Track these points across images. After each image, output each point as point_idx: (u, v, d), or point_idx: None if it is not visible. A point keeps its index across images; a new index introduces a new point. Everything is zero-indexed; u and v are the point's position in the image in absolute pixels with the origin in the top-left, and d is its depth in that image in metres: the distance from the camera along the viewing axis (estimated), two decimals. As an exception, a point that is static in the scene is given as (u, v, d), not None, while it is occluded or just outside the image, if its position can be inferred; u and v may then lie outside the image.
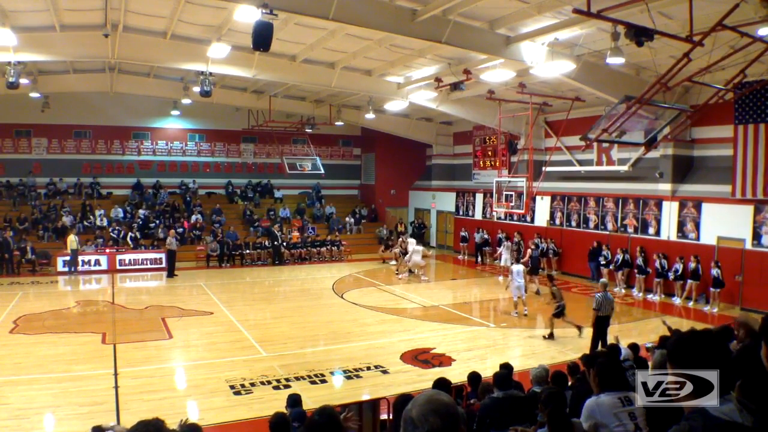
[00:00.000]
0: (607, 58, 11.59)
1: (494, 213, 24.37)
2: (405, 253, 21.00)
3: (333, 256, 25.16)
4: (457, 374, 9.32)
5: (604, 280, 12.56)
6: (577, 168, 21.39)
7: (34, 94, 20.87)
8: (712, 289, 15.62)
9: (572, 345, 12.15)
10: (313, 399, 8.69)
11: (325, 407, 4.35)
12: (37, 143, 25.82)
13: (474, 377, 7.37)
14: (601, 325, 11.24)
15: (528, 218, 23.06)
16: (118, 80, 21.06)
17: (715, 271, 15.54)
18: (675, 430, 1.93)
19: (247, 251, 24.03)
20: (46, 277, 20.05)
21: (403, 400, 4.36)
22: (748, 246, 15.53)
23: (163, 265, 21.58)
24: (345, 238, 26.79)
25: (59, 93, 22.08)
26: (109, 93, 22.05)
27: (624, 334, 12.53)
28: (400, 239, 23.16)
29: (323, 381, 10.00)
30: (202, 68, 16.15)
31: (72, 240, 20.61)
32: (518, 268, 15.01)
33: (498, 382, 5.92)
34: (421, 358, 11.44)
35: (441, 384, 6.13)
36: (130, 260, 21.91)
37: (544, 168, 20.64)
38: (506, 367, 7.33)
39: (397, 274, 21.17)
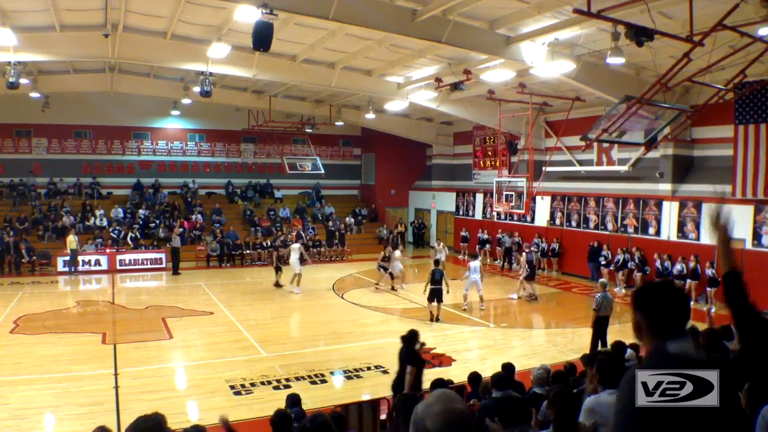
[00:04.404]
0: (607, 58, 11.60)
1: (494, 213, 24.36)
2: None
3: (333, 256, 25.25)
4: (457, 374, 9.31)
5: (603, 280, 12.56)
6: (578, 168, 21.38)
7: (34, 94, 20.87)
8: (708, 289, 15.66)
9: (573, 345, 12.15)
10: (313, 399, 8.69)
11: (318, 414, 4.32)
12: (37, 143, 25.82)
13: (474, 377, 7.37)
14: (601, 326, 11.24)
15: (528, 218, 23.05)
16: (118, 80, 21.06)
17: (709, 271, 15.66)
18: (633, 367, 2.09)
19: (247, 251, 24.03)
20: (47, 277, 20.04)
21: (405, 398, 4.35)
22: (749, 246, 15.53)
23: (164, 265, 21.60)
24: (345, 238, 26.79)
25: (59, 93, 22.10)
26: (110, 93, 22.06)
27: (625, 334, 12.52)
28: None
29: (323, 381, 10.00)
30: (202, 68, 16.15)
31: (71, 240, 20.62)
32: (476, 264, 15.69)
33: (496, 382, 5.90)
34: (421, 358, 11.43)
35: (439, 385, 6.09)
36: (130, 260, 21.90)
37: (544, 168, 20.64)
38: (506, 368, 7.32)
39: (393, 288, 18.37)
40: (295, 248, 18.56)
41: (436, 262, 14.65)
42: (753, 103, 15.04)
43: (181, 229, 22.95)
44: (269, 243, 24.44)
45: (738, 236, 15.78)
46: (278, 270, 18.68)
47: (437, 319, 14.09)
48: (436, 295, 13.97)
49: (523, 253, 18.58)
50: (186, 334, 13.11)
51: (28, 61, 15.44)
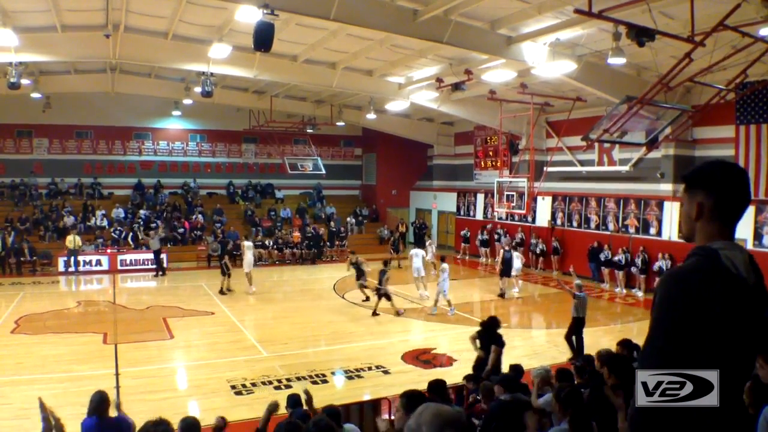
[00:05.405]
0: (608, 59, 11.60)
1: (495, 213, 24.35)
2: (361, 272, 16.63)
3: (334, 257, 25.27)
4: (458, 374, 9.30)
5: (578, 281, 12.02)
6: (579, 168, 21.37)
7: (36, 95, 20.90)
8: None
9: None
10: (314, 399, 8.68)
11: (321, 418, 4.27)
12: (38, 143, 25.87)
13: (472, 377, 7.38)
14: (579, 328, 11.15)
15: (529, 218, 23.04)
16: (120, 80, 21.08)
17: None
18: (685, 261, 1.88)
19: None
20: (48, 277, 20.07)
21: (411, 396, 4.33)
22: (750, 246, 15.48)
23: (165, 265, 21.55)
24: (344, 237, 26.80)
25: (60, 93, 22.12)
26: (111, 93, 22.06)
27: (625, 334, 12.50)
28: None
29: (324, 381, 10.00)
30: (204, 68, 16.15)
31: (70, 240, 20.63)
32: (417, 251, 17.25)
33: (505, 384, 5.85)
34: (422, 358, 11.45)
35: (436, 385, 6.03)
36: (131, 260, 21.90)
37: (545, 168, 20.63)
38: (515, 369, 7.29)
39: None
40: (249, 246, 18.07)
41: (385, 263, 15.42)
42: (754, 104, 15.03)
43: (157, 233, 21.88)
44: (270, 243, 24.49)
45: (739, 236, 15.76)
46: (226, 274, 17.47)
47: (375, 313, 14.70)
48: (377, 293, 14.83)
49: (501, 251, 18.47)
50: (187, 334, 13.13)
51: (29, 61, 15.43)
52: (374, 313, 14.74)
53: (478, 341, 9.01)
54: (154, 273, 20.75)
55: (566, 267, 21.26)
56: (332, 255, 25.48)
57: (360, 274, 16.55)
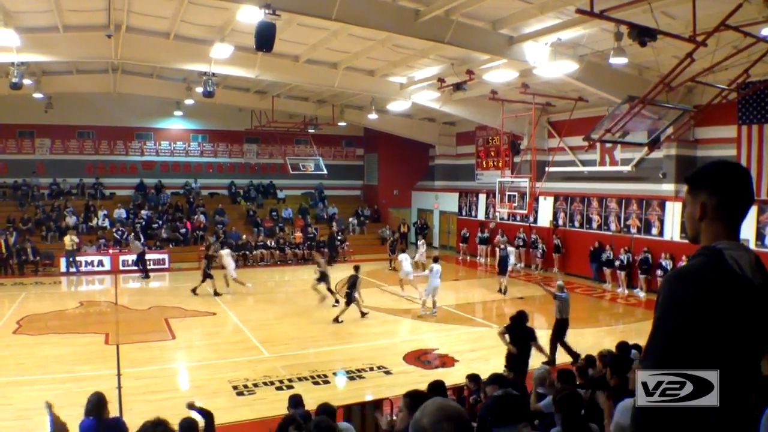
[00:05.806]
0: (610, 59, 11.60)
1: (497, 213, 24.33)
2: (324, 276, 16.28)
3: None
4: (460, 375, 9.31)
5: (560, 282, 11.93)
6: (580, 168, 21.35)
7: (38, 95, 20.91)
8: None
9: (575, 346, 12.09)
10: (315, 400, 8.66)
11: (321, 420, 4.26)
12: (40, 144, 25.91)
13: (474, 377, 7.39)
14: (563, 329, 11.08)
15: (531, 219, 23.02)
16: (121, 81, 21.11)
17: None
18: (689, 260, 1.87)
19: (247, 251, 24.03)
20: (50, 278, 20.09)
21: (414, 395, 4.34)
22: (752, 246, 15.45)
23: (166, 265, 21.54)
24: (348, 238, 26.78)
25: (62, 93, 22.16)
26: (112, 93, 22.11)
27: (626, 335, 12.50)
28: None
29: (326, 382, 10.01)
30: (205, 69, 16.17)
31: (67, 240, 20.65)
32: (405, 256, 17.38)
33: (498, 382, 5.89)
34: (423, 358, 11.45)
35: (436, 386, 6.04)
36: (132, 261, 21.87)
37: (547, 168, 20.60)
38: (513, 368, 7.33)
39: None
40: (227, 253, 18.18)
41: (356, 268, 14.81)
42: (756, 103, 15.01)
43: (136, 239, 21.96)
44: (272, 243, 24.50)
45: (741, 236, 15.73)
46: (209, 277, 17.37)
47: (337, 320, 14.15)
48: (347, 299, 14.31)
49: (497, 249, 18.63)
50: (189, 334, 13.14)
51: (31, 61, 15.46)
52: (362, 314, 14.61)
53: (507, 336, 8.97)
54: (143, 275, 20.60)
55: (568, 266, 21.32)
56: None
57: (322, 277, 16.22)
